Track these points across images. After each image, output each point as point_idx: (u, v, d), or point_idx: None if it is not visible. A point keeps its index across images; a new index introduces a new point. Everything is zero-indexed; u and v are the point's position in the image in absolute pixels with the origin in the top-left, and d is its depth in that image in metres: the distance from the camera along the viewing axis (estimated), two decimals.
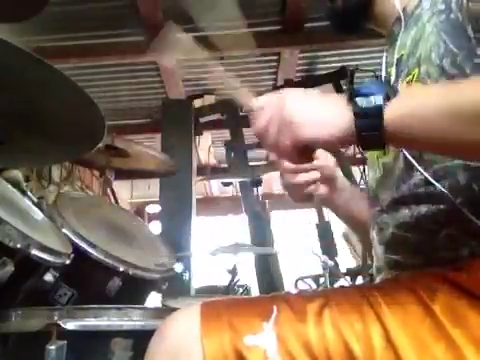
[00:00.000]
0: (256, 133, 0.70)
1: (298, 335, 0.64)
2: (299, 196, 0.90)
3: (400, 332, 0.63)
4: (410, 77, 0.74)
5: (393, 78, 0.82)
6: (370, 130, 0.61)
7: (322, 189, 0.90)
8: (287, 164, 0.86)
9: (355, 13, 0.92)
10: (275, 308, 0.68)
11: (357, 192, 0.99)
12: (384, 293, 0.68)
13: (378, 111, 0.61)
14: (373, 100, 0.61)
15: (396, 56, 0.83)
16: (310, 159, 0.73)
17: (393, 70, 0.82)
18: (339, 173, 0.94)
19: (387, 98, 0.61)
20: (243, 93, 0.78)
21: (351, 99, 0.63)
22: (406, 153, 0.73)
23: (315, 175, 0.88)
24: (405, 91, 0.65)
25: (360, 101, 0.62)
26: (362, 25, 0.95)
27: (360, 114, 0.62)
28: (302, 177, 0.87)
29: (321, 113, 0.65)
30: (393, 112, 0.61)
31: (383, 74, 0.87)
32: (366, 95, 0.62)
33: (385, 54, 0.90)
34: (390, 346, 0.62)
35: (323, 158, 0.87)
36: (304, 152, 0.68)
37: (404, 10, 0.85)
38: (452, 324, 0.62)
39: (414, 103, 0.61)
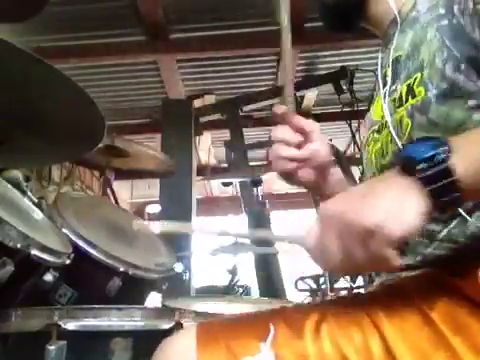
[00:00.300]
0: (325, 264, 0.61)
1: (296, 353, 0.64)
2: (282, 171, 0.80)
3: (399, 342, 0.62)
4: (411, 81, 0.74)
5: (389, 79, 0.81)
6: (447, 194, 0.55)
7: (306, 173, 0.79)
8: (279, 133, 0.78)
9: (346, 10, 0.92)
10: (272, 327, 0.67)
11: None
12: (382, 303, 0.68)
13: (446, 173, 0.55)
14: (435, 160, 0.55)
15: (392, 57, 0.82)
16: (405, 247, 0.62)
17: (389, 71, 0.82)
18: (336, 169, 0.85)
19: (448, 154, 0.55)
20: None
21: (410, 170, 0.57)
22: None
23: (303, 154, 0.78)
24: (460, 142, 0.57)
25: (422, 166, 0.55)
26: (354, 23, 0.94)
27: (429, 182, 0.55)
28: (290, 151, 0.78)
29: (394, 201, 0.56)
30: (463, 168, 0.55)
31: (379, 75, 0.87)
32: (423, 159, 0.56)
33: (380, 55, 0.90)
34: (390, 357, 0.62)
35: (318, 143, 0.78)
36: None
37: (399, 12, 0.85)
38: (452, 332, 0.61)
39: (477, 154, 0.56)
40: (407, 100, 0.74)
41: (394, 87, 0.79)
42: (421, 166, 0.56)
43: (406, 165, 0.57)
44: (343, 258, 0.57)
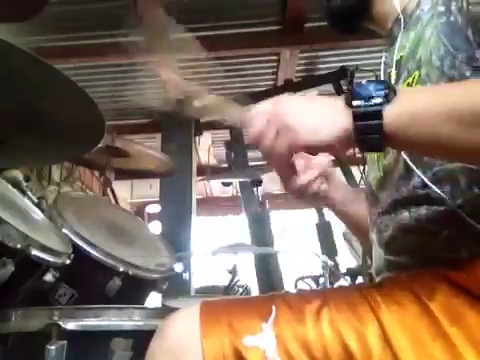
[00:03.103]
0: (252, 137, 0.68)
1: (297, 335, 0.64)
2: (302, 196, 0.87)
3: (398, 331, 0.63)
4: (410, 79, 0.74)
5: (393, 79, 0.81)
6: (369, 133, 0.60)
7: (323, 186, 0.89)
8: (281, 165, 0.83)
9: (352, 11, 0.92)
10: (274, 308, 0.68)
11: (353, 191, 0.98)
12: (382, 293, 0.68)
13: (377, 113, 0.59)
14: (372, 102, 0.60)
15: (396, 58, 0.83)
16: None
17: (393, 71, 0.82)
18: (334, 170, 0.93)
19: (386, 99, 0.60)
20: (236, 109, 0.78)
21: (349, 101, 0.61)
22: (405, 156, 0.73)
23: (314, 173, 0.87)
24: (404, 92, 0.62)
25: (359, 103, 0.60)
26: (360, 24, 0.94)
27: (359, 117, 0.60)
28: (305, 178, 0.85)
29: (319, 117, 0.63)
30: (392, 115, 0.59)
31: (382, 75, 0.87)
32: (365, 97, 0.60)
33: (384, 55, 0.90)
34: (388, 345, 0.62)
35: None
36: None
37: (403, 11, 0.85)
38: (450, 323, 0.62)
39: (414, 106, 0.60)
40: None
41: (397, 87, 0.79)
42: (358, 102, 0.60)
43: (349, 97, 0.62)
44: (261, 139, 0.66)
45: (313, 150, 0.65)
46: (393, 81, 0.81)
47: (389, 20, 0.88)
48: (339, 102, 0.63)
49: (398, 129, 0.59)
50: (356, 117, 0.60)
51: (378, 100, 0.60)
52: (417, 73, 0.73)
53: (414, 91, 0.66)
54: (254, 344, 0.64)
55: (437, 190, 0.69)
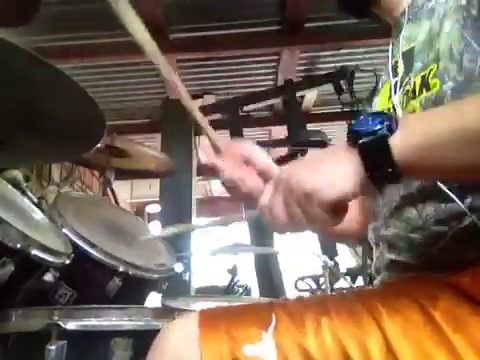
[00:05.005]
0: (271, 216, 0.63)
1: (297, 344, 0.63)
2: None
3: (400, 340, 0.62)
4: (426, 72, 0.73)
5: (401, 70, 0.80)
6: (381, 168, 0.58)
7: None
8: (227, 175, 0.77)
9: None
10: (274, 317, 0.67)
11: None
12: (384, 300, 0.67)
13: (383, 146, 0.58)
14: (377, 136, 0.58)
15: (406, 47, 0.81)
16: (345, 210, 0.63)
17: (401, 62, 0.81)
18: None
19: (389, 128, 0.58)
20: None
21: (353, 142, 0.60)
22: None
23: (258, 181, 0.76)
24: (408, 120, 0.61)
25: (363, 141, 0.59)
26: (368, 7, 0.92)
27: (366, 155, 0.58)
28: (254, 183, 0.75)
29: (331, 169, 0.60)
30: (401, 145, 0.57)
31: (389, 65, 0.86)
32: (367, 134, 0.59)
33: (391, 44, 0.88)
34: (390, 354, 0.61)
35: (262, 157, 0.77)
36: (337, 208, 0.61)
37: (415, 1, 0.84)
38: (453, 330, 0.61)
39: (423, 132, 0.58)
40: (421, 92, 0.73)
41: (407, 79, 0.78)
42: (363, 139, 0.59)
43: (351, 137, 0.60)
44: (287, 218, 0.62)
45: (339, 202, 0.60)
46: (401, 72, 0.80)
47: (397, 9, 0.87)
48: (342, 147, 0.61)
49: (410, 159, 0.57)
50: (364, 157, 0.59)
51: (383, 132, 0.58)
52: (435, 66, 0.72)
53: (419, 116, 0.64)
54: (254, 353, 0.63)
55: (444, 188, 0.68)
